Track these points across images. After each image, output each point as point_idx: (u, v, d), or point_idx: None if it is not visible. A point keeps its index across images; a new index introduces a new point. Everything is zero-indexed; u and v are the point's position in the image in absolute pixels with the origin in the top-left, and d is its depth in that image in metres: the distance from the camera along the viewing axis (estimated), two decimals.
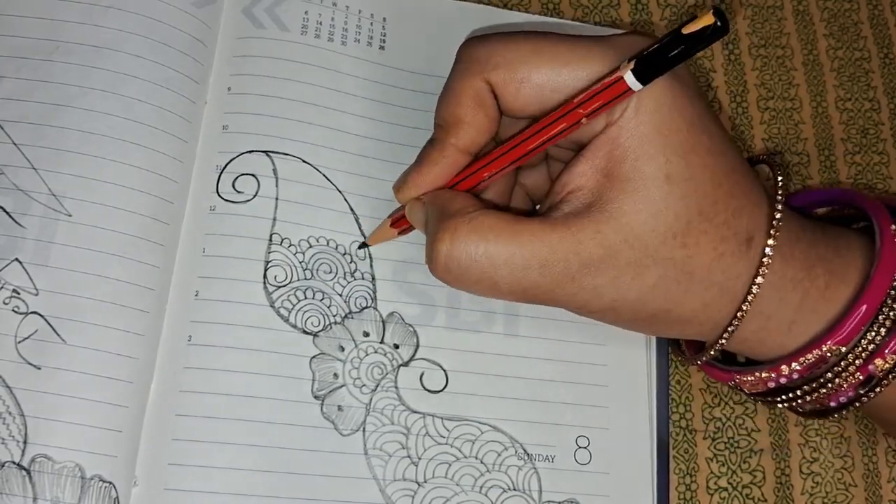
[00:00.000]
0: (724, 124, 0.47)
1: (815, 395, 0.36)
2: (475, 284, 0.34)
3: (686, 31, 0.30)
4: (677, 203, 0.33)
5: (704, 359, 0.38)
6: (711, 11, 0.30)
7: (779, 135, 0.47)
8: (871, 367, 0.35)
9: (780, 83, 0.48)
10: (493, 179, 0.36)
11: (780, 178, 0.36)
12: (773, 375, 0.36)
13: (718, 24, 0.30)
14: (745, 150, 0.47)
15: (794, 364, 0.36)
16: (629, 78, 0.31)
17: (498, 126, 0.35)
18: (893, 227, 0.36)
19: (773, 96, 0.48)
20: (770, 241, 0.34)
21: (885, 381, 0.35)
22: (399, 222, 0.38)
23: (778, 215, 0.35)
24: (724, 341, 0.36)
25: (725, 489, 0.42)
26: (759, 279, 0.34)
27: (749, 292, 0.34)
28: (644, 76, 0.31)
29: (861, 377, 0.35)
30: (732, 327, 0.35)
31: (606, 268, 0.33)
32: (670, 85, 0.33)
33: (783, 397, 0.37)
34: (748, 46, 0.48)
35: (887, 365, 0.35)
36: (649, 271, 0.33)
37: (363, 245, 0.40)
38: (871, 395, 0.36)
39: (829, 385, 0.36)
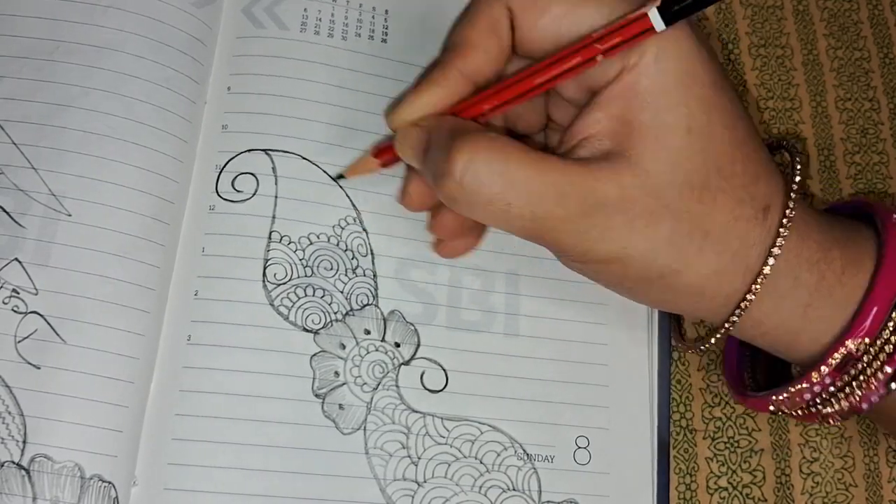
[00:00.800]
0: None
1: (851, 396, 0.34)
2: (487, 205, 0.32)
3: None
4: (697, 156, 0.32)
5: (713, 340, 0.36)
6: None
7: (779, 134, 0.47)
8: None
9: (780, 83, 0.48)
10: (496, 113, 0.34)
11: (798, 161, 0.35)
12: (805, 386, 0.35)
13: None
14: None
15: (822, 368, 0.34)
16: (654, 15, 0.30)
17: (507, 59, 0.34)
18: (895, 216, 0.36)
19: (773, 96, 0.48)
20: (788, 212, 0.33)
21: None
22: (384, 152, 0.37)
23: (795, 187, 0.34)
24: (735, 318, 0.34)
25: (725, 489, 0.42)
26: (776, 250, 0.33)
27: (765, 264, 0.33)
28: (669, 17, 0.30)
29: (890, 369, 0.34)
30: (746, 302, 0.34)
31: (621, 211, 0.32)
32: (694, 39, 0.32)
33: (826, 410, 0.36)
34: (748, 46, 0.48)
35: None
36: (664, 222, 0.32)
37: (340, 176, 0.39)
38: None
39: (861, 380, 0.34)
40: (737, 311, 0.34)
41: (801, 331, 0.35)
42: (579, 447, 0.40)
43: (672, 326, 0.42)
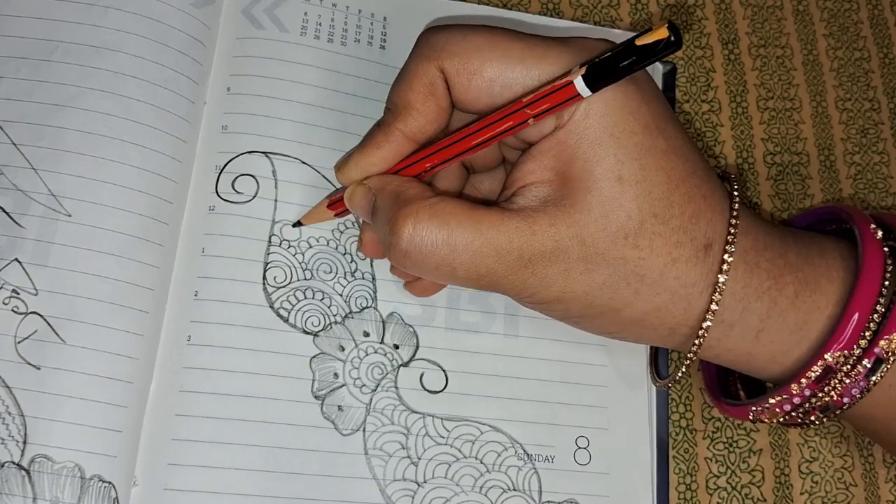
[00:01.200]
0: (725, 123, 0.47)
1: (828, 397, 0.35)
2: (434, 270, 0.34)
3: (640, 42, 0.30)
4: (629, 204, 0.33)
5: (678, 375, 0.38)
6: (666, 26, 0.30)
7: (778, 135, 0.47)
8: (876, 349, 0.34)
9: (780, 83, 0.48)
10: (436, 170, 0.36)
11: (735, 189, 0.36)
12: (784, 398, 0.36)
13: (672, 38, 0.30)
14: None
15: (802, 380, 0.35)
16: (579, 83, 0.31)
17: (448, 117, 0.35)
18: (873, 226, 0.36)
19: (773, 96, 0.48)
20: (729, 248, 0.34)
21: (889, 364, 0.35)
22: (337, 204, 0.38)
23: (734, 222, 0.34)
24: (695, 347, 0.35)
25: (725, 489, 0.42)
26: (720, 285, 0.34)
27: (711, 301, 0.34)
28: (594, 83, 0.31)
29: (868, 365, 0.34)
30: (702, 331, 0.35)
31: (557, 260, 0.33)
32: (624, 89, 0.33)
33: (808, 417, 0.37)
34: (748, 46, 0.48)
35: (887, 352, 0.34)
36: (599, 269, 0.33)
37: (297, 224, 0.40)
38: (879, 377, 0.35)
39: (838, 389, 0.35)
40: (693, 346, 0.36)
41: (755, 354, 0.36)
42: (579, 447, 0.40)
43: (648, 368, 0.42)
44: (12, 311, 0.36)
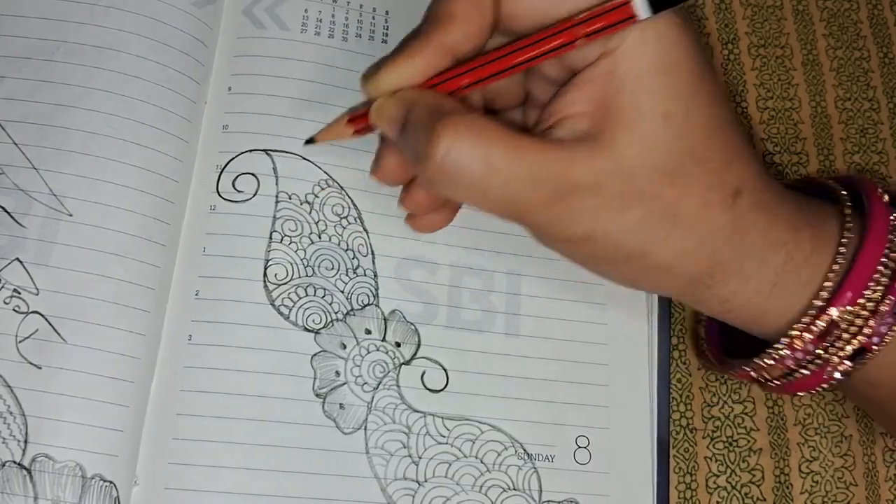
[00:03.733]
0: None
1: (820, 364, 0.36)
2: (466, 189, 0.32)
3: None
4: (672, 142, 0.32)
5: (741, 369, 0.38)
6: None
7: (778, 134, 0.47)
8: (872, 321, 0.34)
9: (780, 83, 0.48)
10: (474, 89, 0.34)
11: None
12: (788, 353, 0.36)
13: None
14: None
15: (806, 335, 0.35)
16: (640, 2, 0.30)
17: (489, 35, 0.34)
18: (880, 190, 0.36)
19: (773, 96, 0.48)
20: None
21: (888, 339, 0.35)
22: (359, 120, 0.36)
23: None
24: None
25: (725, 488, 0.42)
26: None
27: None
28: (656, 4, 0.30)
29: (862, 340, 0.35)
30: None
31: (593, 195, 0.32)
32: (676, 25, 0.32)
33: (801, 373, 0.37)
34: (748, 46, 0.48)
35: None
36: (634, 206, 0.32)
37: (310, 140, 0.39)
38: (875, 351, 0.35)
39: (837, 347, 0.35)
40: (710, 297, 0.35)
41: (767, 309, 0.36)
42: (580, 447, 0.40)
43: (697, 352, 0.42)
44: (13, 310, 0.36)
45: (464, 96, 0.35)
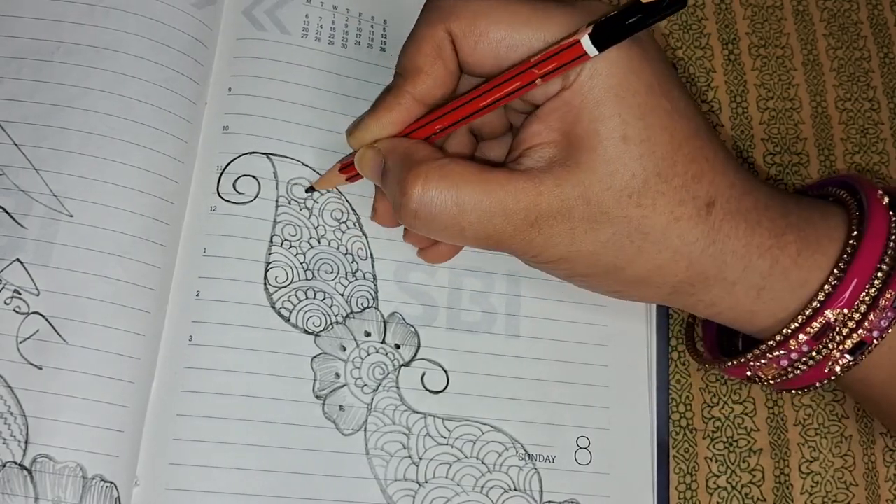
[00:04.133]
0: (725, 123, 0.47)
1: (816, 361, 0.36)
2: (443, 230, 0.34)
3: (645, 0, 0.31)
4: (633, 163, 0.33)
5: (730, 364, 0.38)
6: None
7: (778, 134, 0.47)
8: (871, 315, 0.35)
9: (780, 83, 0.48)
10: (446, 133, 0.36)
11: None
12: (783, 353, 0.36)
13: None
14: (744, 154, 0.47)
15: (801, 336, 0.36)
16: (586, 43, 0.31)
17: (457, 81, 0.36)
18: (880, 192, 0.37)
19: (773, 96, 0.48)
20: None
21: (886, 334, 0.35)
22: (349, 168, 0.38)
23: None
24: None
25: (725, 488, 0.42)
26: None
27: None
28: (601, 42, 0.31)
29: (862, 335, 0.35)
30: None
31: (563, 219, 0.34)
32: (628, 49, 0.33)
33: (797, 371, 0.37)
34: (748, 46, 0.48)
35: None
36: (603, 227, 0.34)
37: (310, 189, 0.40)
38: (875, 344, 0.35)
39: (832, 347, 0.36)
40: (699, 305, 0.37)
41: (756, 311, 0.36)
42: (580, 447, 0.40)
43: (686, 343, 0.43)
44: (14, 311, 0.36)
45: (453, 132, 0.37)
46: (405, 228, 0.40)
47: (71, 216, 0.37)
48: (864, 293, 0.35)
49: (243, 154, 0.40)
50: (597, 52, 0.32)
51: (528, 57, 0.33)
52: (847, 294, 0.35)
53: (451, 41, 0.34)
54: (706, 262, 0.35)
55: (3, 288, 0.36)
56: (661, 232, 0.34)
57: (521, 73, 0.33)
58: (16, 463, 0.34)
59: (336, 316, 0.39)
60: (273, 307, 0.38)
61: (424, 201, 0.34)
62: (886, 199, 0.36)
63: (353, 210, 0.41)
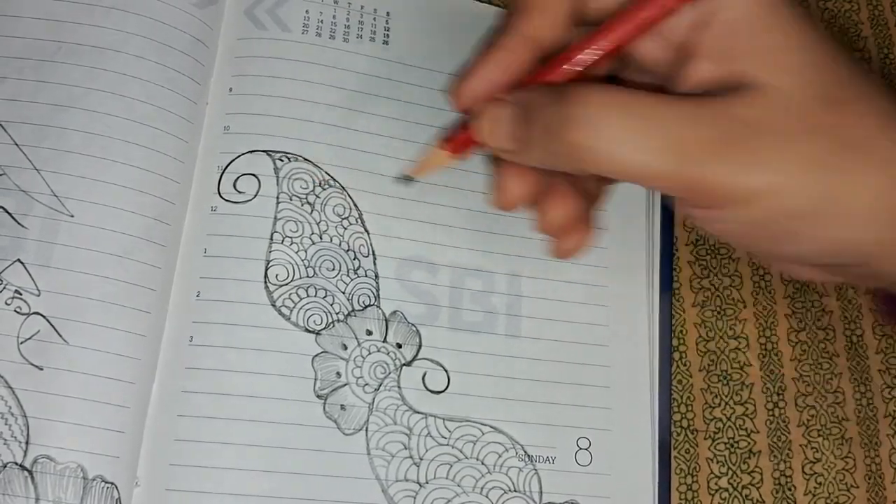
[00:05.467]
0: None
1: None
2: (629, 156, 0.28)
3: None
4: (818, 69, 0.29)
5: None
6: None
7: None
8: None
9: None
10: (585, 71, 0.31)
11: None
12: None
13: None
14: None
15: None
16: None
17: (571, 25, 0.31)
18: None
19: None
20: None
21: None
22: (455, 141, 0.33)
23: None
24: None
25: (726, 489, 0.42)
26: None
27: None
28: None
29: None
30: None
31: (768, 132, 0.28)
32: None
33: None
34: None
35: None
36: (812, 139, 0.29)
37: (406, 178, 0.37)
38: None
39: None
40: None
41: None
42: (580, 448, 0.40)
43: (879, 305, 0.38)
44: (15, 311, 0.36)
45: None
46: (540, 212, 0.34)
47: (72, 216, 0.37)
48: None
49: (244, 153, 0.40)
50: None
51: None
52: None
53: None
54: None
55: (3, 288, 0.36)
56: (872, 138, 0.29)
57: None
58: (16, 464, 0.34)
59: (337, 314, 0.39)
60: (274, 305, 0.38)
61: (605, 135, 0.28)
62: None
63: (356, 206, 0.41)
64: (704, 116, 0.28)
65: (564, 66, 0.31)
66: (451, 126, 0.34)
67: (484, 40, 0.32)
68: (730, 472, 0.42)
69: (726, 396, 0.43)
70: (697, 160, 0.28)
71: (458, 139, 0.33)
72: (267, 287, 0.39)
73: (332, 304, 0.39)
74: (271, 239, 0.39)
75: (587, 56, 0.31)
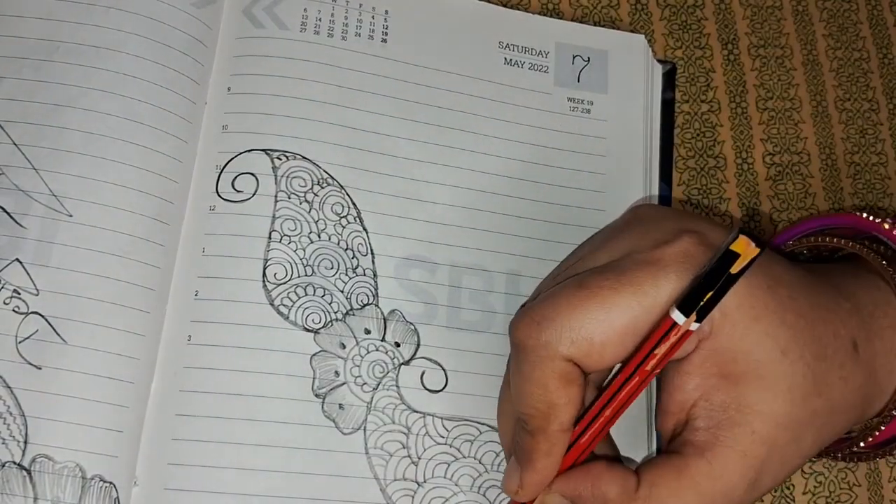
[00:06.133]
0: (724, 124, 0.47)
1: None
2: None
3: (735, 270, 0.31)
4: (799, 366, 0.33)
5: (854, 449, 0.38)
6: (752, 244, 0.31)
7: (778, 135, 0.47)
8: None
9: (780, 83, 0.48)
10: (593, 447, 0.35)
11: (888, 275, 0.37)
12: None
13: (758, 249, 0.31)
14: (747, 159, 0.47)
15: None
16: (680, 319, 0.32)
17: (586, 388, 0.35)
18: (887, 224, 0.37)
19: (773, 96, 0.48)
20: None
21: None
22: None
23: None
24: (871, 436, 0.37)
25: None
26: (873, 370, 0.35)
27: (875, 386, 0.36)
28: (699, 315, 0.31)
29: None
30: (880, 420, 0.37)
31: (773, 459, 0.33)
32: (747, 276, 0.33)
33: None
34: (747, 46, 0.48)
35: None
36: (805, 436, 0.34)
37: None
38: None
39: None
40: (875, 432, 0.37)
41: (887, 387, 0.37)
42: None
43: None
44: (13, 311, 0.36)
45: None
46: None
47: (70, 216, 0.37)
48: None
49: (242, 152, 0.40)
50: (697, 325, 0.32)
51: (636, 351, 0.33)
52: None
53: (575, 364, 0.33)
54: (869, 389, 0.36)
55: (2, 288, 0.36)
56: (842, 400, 0.35)
57: (635, 373, 0.33)
58: (15, 463, 0.34)
59: (336, 313, 0.39)
60: (272, 304, 0.38)
61: None
62: None
63: (354, 204, 0.41)
64: (731, 482, 0.33)
65: (580, 451, 0.35)
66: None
67: (507, 443, 0.36)
68: None
69: None
70: None
71: None
72: (265, 286, 0.39)
73: (330, 303, 0.39)
74: (269, 238, 0.39)
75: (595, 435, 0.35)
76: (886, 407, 0.37)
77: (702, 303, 0.31)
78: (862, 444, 0.37)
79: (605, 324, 0.32)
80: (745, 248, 0.31)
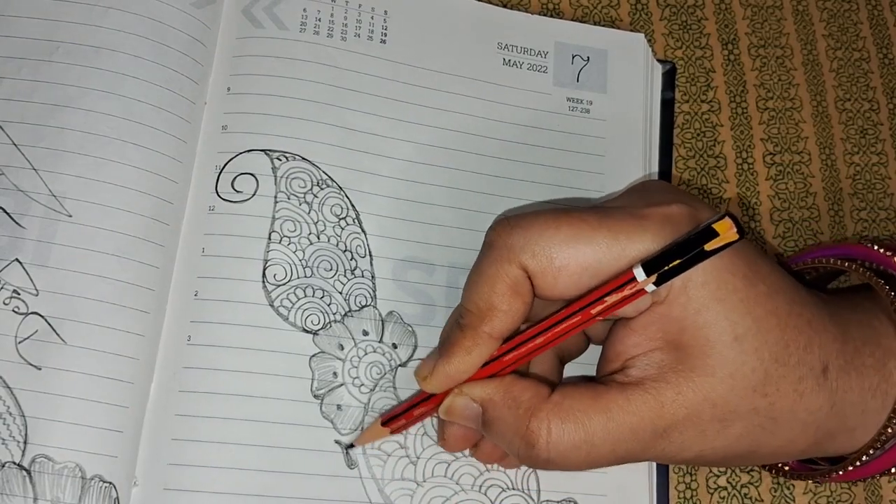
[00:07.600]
0: (724, 123, 0.47)
1: None
2: (577, 466, 0.34)
3: (709, 247, 0.31)
4: (751, 358, 0.33)
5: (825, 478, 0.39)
6: (734, 228, 0.31)
7: (778, 135, 0.47)
8: None
9: (780, 83, 0.48)
10: (515, 367, 0.35)
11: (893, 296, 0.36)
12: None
13: (738, 235, 0.31)
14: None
15: None
16: (641, 277, 0.31)
17: (530, 310, 0.34)
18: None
19: (773, 96, 0.48)
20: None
21: None
22: (395, 422, 0.36)
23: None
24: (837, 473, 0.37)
25: (725, 488, 0.42)
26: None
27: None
28: (659, 279, 0.31)
29: None
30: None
31: (692, 425, 0.33)
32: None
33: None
34: (747, 46, 0.48)
35: None
36: (734, 423, 0.34)
37: (350, 446, 0.38)
38: None
39: None
40: (841, 469, 0.38)
41: (857, 426, 0.36)
42: None
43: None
44: (13, 311, 0.36)
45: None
46: (474, 448, 0.38)
47: (70, 216, 0.37)
48: None
49: (241, 152, 0.40)
50: (654, 288, 0.31)
51: (602, 283, 0.33)
52: None
53: (528, 277, 0.33)
54: (831, 422, 0.35)
55: (2, 288, 0.36)
56: (789, 412, 0.34)
57: (579, 310, 0.33)
58: (15, 463, 0.34)
59: (334, 314, 0.39)
60: (271, 305, 0.38)
61: (556, 449, 0.33)
62: None
63: (353, 206, 0.41)
64: (641, 421, 0.33)
65: (504, 364, 0.35)
66: (396, 406, 0.37)
67: (444, 333, 0.36)
68: (729, 471, 0.42)
69: None
70: (635, 456, 0.34)
71: (400, 424, 0.36)
72: (265, 287, 0.39)
73: (329, 305, 0.39)
74: (269, 238, 0.39)
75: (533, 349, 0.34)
76: (867, 446, 0.36)
77: (666, 268, 0.31)
78: (834, 475, 0.38)
79: (570, 251, 0.32)
80: (726, 230, 0.31)
